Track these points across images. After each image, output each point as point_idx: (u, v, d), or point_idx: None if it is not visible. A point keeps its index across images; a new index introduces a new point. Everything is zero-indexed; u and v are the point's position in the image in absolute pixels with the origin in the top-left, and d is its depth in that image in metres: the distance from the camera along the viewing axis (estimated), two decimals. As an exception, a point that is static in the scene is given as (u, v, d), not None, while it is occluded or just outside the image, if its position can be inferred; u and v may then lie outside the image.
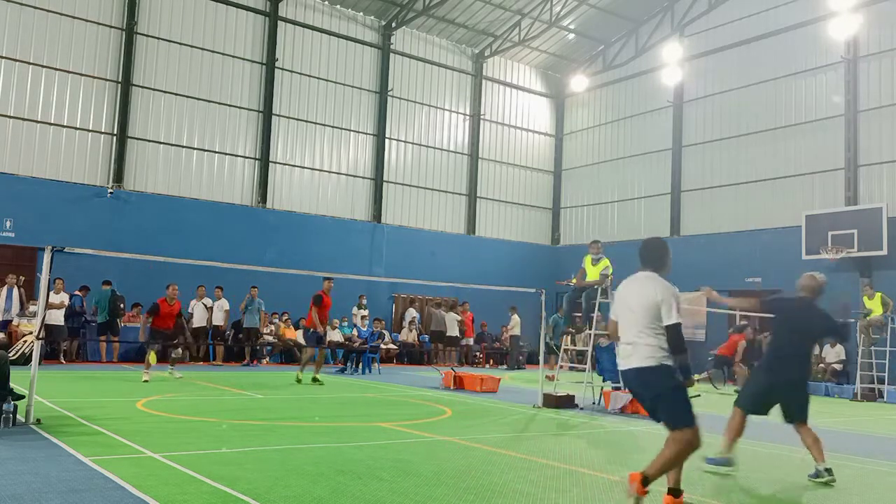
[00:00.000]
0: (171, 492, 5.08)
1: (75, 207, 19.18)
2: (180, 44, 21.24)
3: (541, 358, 12.47)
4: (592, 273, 12.43)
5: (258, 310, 19.41)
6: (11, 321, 16.53)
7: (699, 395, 12.95)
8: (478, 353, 24.13)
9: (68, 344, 17.42)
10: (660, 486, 5.73)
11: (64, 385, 12.07)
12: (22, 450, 6.36)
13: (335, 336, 21.45)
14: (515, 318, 23.87)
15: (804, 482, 6.66)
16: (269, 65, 22.58)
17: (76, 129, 19.63)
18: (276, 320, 20.86)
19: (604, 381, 12.67)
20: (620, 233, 26.26)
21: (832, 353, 19.22)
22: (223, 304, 19.44)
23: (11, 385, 7.89)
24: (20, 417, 7.70)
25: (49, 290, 9.01)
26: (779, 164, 22.29)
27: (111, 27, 20.23)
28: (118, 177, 19.97)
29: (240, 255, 19.06)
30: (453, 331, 23.54)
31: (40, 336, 8.27)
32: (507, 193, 28.03)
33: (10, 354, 12.17)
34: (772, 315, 7.34)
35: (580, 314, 12.64)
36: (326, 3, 24.03)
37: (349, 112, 24.26)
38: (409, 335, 23.27)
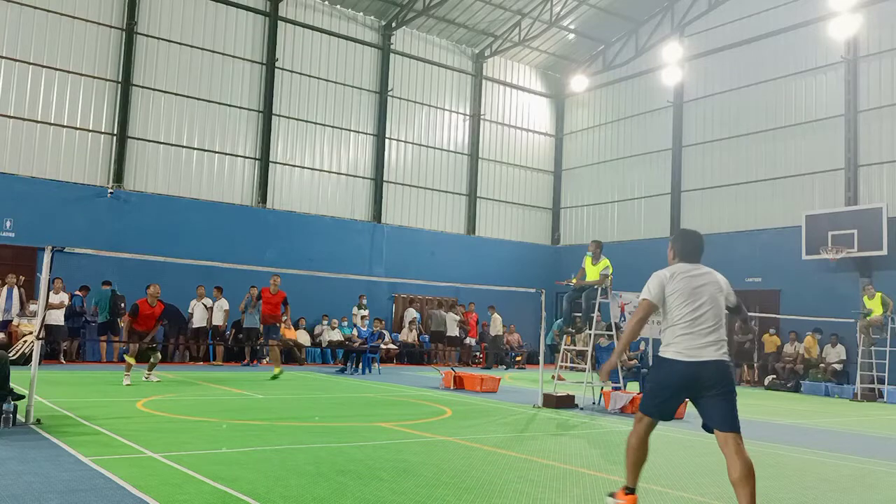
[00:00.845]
0: (171, 492, 5.07)
1: (75, 207, 19.18)
2: (180, 44, 21.24)
3: (541, 359, 12.47)
4: (592, 273, 12.44)
5: (258, 310, 19.37)
6: (11, 321, 16.53)
7: None
8: (478, 354, 24.14)
9: (68, 344, 17.42)
10: (658, 484, 5.75)
11: (64, 385, 12.07)
12: (22, 450, 6.35)
13: (335, 336, 21.49)
14: (496, 316, 23.88)
15: (804, 482, 6.66)
16: (269, 65, 22.58)
17: (76, 129, 19.63)
18: (276, 320, 20.85)
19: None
20: (620, 233, 26.29)
21: (833, 353, 19.23)
22: (223, 304, 19.45)
23: (11, 385, 7.88)
24: (20, 417, 7.70)
25: (49, 290, 9.00)
26: (779, 164, 22.29)
27: (111, 27, 20.23)
28: (118, 177, 19.98)
29: (240, 255, 19.08)
30: (453, 331, 23.57)
31: (40, 336, 8.26)
32: (507, 193, 28.04)
33: (10, 354, 12.18)
34: None
35: (580, 314, 12.64)
36: (326, 3, 24.03)
37: (349, 112, 24.26)
38: (409, 335, 23.28)
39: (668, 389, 4.97)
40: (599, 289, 12.28)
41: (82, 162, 19.70)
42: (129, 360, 12.78)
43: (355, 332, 21.59)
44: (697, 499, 5.73)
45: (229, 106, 22.00)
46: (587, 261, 12.63)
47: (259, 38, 22.63)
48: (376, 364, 19.15)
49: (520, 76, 28.69)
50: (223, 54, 21.95)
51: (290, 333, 20.88)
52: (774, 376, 19.59)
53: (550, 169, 29.23)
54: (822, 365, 19.13)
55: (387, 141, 24.89)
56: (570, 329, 13.01)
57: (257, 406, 10.87)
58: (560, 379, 13.35)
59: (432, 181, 26.08)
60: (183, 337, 19.23)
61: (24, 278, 17.19)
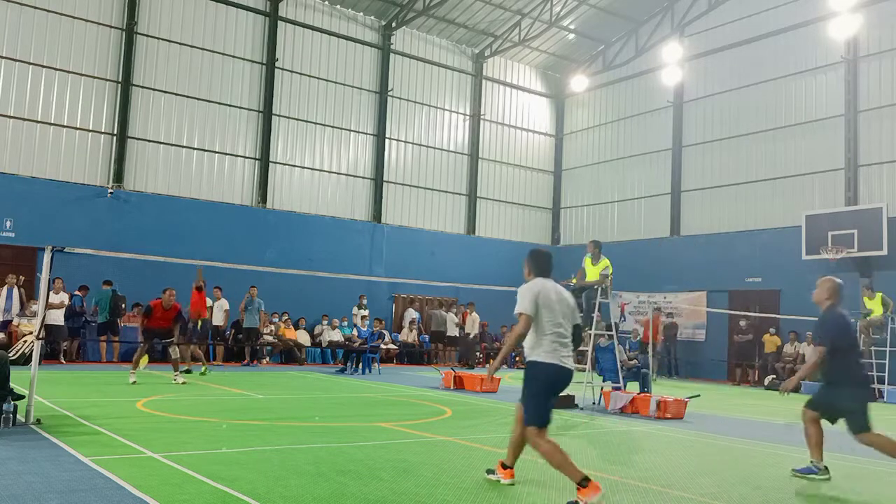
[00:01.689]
0: (171, 492, 5.08)
1: (75, 207, 19.18)
2: (180, 44, 21.24)
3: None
4: (592, 273, 12.44)
5: (258, 310, 19.39)
6: (11, 321, 16.53)
7: (699, 395, 12.95)
8: (478, 354, 24.11)
9: (68, 344, 17.40)
10: (658, 484, 5.74)
11: (64, 385, 12.07)
12: (22, 450, 6.35)
13: (335, 336, 21.49)
14: (474, 315, 23.84)
15: (804, 482, 6.66)
16: (269, 65, 22.58)
17: (76, 129, 19.63)
18: (276, 320, 20.86)
19: (604, 381, 12.67)
20: (620, 233, 26.28)
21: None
22: (223, 304, 19.45)
23: (11, 385, 7.88)
24: (20, 417, 7.70)
25: (49, 290, 9.00)
26: (779, 164, 22.29)
27: (111, 27, 20.22)
28: (118, 177, 19.97)
29: (240, 255, 19.06)
30: (453, 331, 23.55)
31: (40, 336, 8.27)
32: (507, 193, 28.03)
33: (10, 354, 12.18)
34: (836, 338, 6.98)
35: (580, 314, 12.63)
36: (326, 3, 24.03)
37: (349, 112, 24.25)
38: (409, 335, 23.28)
39: (550, 388, 5.68)
40: (600, 289, 12.28)
41: (82, 162, 19.70)
42: (143, 359, 13.20)
43: (355, 332, 21.59)
44: (697, 499, 5.73)
45: (229, 106, 22.00)
46: (587, 261, 12.63)
47: (259, 38, 22.63)
48: (376, 364, 19.15)
49: (520, 76, 28.69)
50: (223, 54, 21.95)
51: (290, 333, 20.90)
52: (774, 376, 19.58)
53: (550, 169, 29.23)
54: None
55: (387, 141, 24.89)
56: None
57: (257, 406, 10.87)
58: None
59: (432, 181, 26.07)
60: (183, 337, 19.18)
61: (24, 278, 17.18)
